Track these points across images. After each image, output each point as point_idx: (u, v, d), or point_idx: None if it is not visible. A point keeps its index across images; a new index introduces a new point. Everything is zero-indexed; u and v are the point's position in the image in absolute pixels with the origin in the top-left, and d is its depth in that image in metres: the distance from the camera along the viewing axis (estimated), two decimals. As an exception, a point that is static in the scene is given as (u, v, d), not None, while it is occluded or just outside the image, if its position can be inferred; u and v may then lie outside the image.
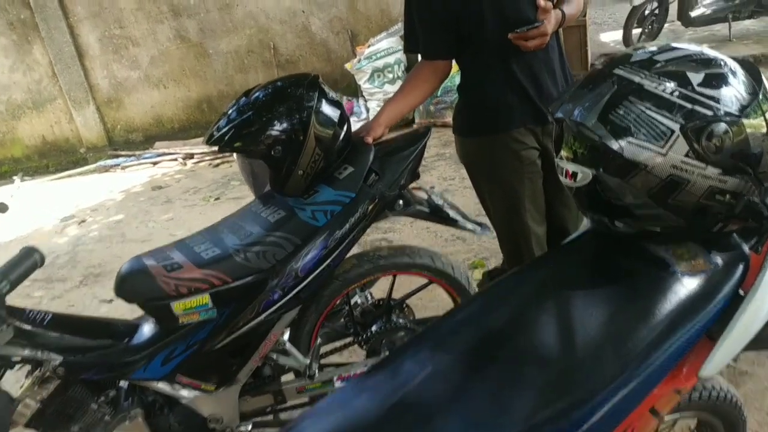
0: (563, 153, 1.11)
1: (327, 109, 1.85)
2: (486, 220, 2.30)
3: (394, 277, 2.15)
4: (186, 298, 1.75)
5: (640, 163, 1.00)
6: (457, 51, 2.03)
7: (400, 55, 5.76)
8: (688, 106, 0.99)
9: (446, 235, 3.70)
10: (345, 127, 1.90)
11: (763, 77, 1.08)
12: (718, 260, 1.07)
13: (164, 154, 6.47)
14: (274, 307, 1.84)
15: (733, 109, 1.00)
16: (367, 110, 5.92)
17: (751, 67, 1.09)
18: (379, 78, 5.73)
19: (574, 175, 1.08)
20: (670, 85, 1.00)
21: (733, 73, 1.04)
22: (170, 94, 6.70)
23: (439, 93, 5.55)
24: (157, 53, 6.52)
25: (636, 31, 6.15)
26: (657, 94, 1.00)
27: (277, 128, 1.80)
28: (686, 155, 0.99)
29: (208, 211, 4.94)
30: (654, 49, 1.08)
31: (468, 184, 4.23)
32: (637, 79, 1.03)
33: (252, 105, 1.84)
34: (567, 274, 1.13)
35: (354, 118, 6.04)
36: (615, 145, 1.00)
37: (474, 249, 3.46)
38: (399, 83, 5.74)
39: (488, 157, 2.07)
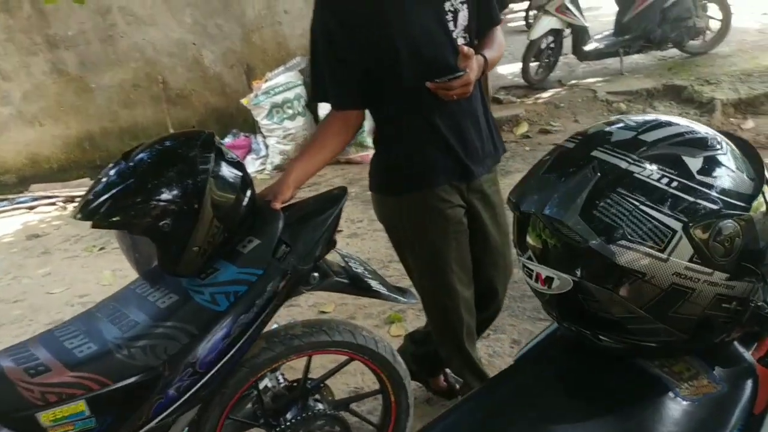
0: (531, 252, 0.89)
1: (226, 172, 1.57)
2: (407, 282, 2.10)
3: (310, 356, 1.88)
4: (56, 407, 1.41)
5: (637, 270, 0.80)
6: (370, 100, 1.81)
7: (300, 90, 5.51)
8: (690, 199, 0.80)
9: (357, 286, 3.46)
10: (248, 193, 1.62)
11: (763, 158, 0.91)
12: (723, 378, 0.88)
13: (41, 197, 5.87)
14: (168, 411, 1.53)
15: (738, 200, 0.82)
16: (266, 147, 5.62)
17: (745, 145, 0.92)
18: (278, 114, 5.45)
19: (548, 281, 0.86)
20: (665, 173, 0.81)
21: (734, 156, 0.86)
22: (47, 131, 6.11)
23: (341, 129, 5.33)
24: (31, 88, 5.94)
25: (533, 64, 6.20)
26: (651, 185, 0.80)
27: (166, 197, 1.50)
28: (690, 260, 0.80)
29: (91, 263, 4.45)
30: (636, 124, 0.88)
31: (378, 226, 4.02)
32: (623, 164, 0.82)
33: (134, 170, 1.53)
34: (541, 399, 0.91)
35: (252, 155, 5.72)
36: (602, 248, 0.79)
37: (388, 302, 3.22)
38: (300, 119, 5.49)
39: (411, 218, 1.86)
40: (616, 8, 6.26)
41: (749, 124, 4.73)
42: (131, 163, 1.54)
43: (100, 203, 1.48)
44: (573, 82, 6.17)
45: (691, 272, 0.80)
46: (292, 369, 2.10)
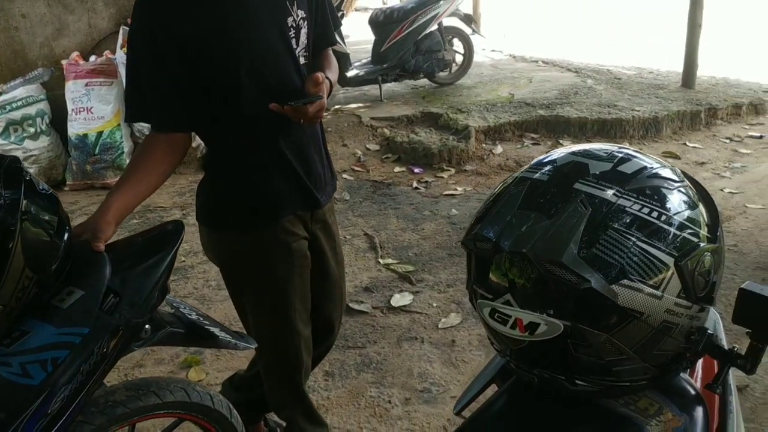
0: (503, 291, 0.80)
1: (40, 209, 1.25)
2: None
3: (134, 425, 1.58)
4: None
5: (636, 311, 0.76)
6: (203, 123, 1.60)
7: (44, 106, 4.83)
8: (677, 233, 0.78)
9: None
10: (65, 234, 1.31)
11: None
12: (683, 409, 0.88)
13: None
14: None
15: (710, 231, 0.82)
16: (48, 189, 4.79)
17: (689, 177, 0.94)
18: (17, 132, 4.71)
19: (530, 327, 0.79)
20: (654, 207, 0.78)
21: (692, 187, 0.87)
22: None
23: (97, 151, 4.78)
24: None
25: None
26: (644, 219, 0.77)
27: (-49, 243, 1.14)
28: (678, 295, 0.78)
29: None
30: (606, 155, 0.85)
31: (196, 262, 3.65)
32: (612, 198, 0.78)
33: None
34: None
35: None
36: (606, 289, 0.74)
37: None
38: (44, 138, 4.80)
39: (253, 254, 1.68)
40: (366, 38, 6.51)
41: (499, 149, 5.23)
42: None
43: None
44: (336, 107, 6.28)
45: (678, 308, 0.78)
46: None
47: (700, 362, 1.04)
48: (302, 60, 1.64)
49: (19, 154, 4.71)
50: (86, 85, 4.80)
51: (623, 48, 8.40)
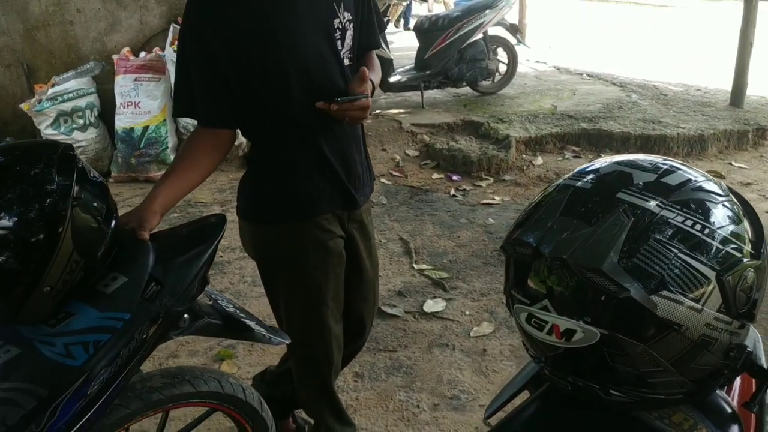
0: (541, 297, 0.81)
1: (90, 196, 1.29)
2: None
3: (168, 411, 1.62)
4: None
5: (675, 322, 0.75)
6: (250, 121, 1.64)
7: (93, 99, 4.96)
8: (720, 247, 0.78)
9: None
10: (112, 222, 1.35)
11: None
12: (719, 427, 0.87)
13: None
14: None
15: (754, 248, 0.81)
16: (99, 176, 4.93)
17: (737, 194, 0.93)
18: (66, 123, 4.85)
19: (567, 334, 0.79)
20: (697, 220, 0.78)
21: (737, 203, 0.86)
22: None
23: (142, 145, 4.89)
24: None
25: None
26: (686, 231, 0.77)
27: (6, 225, 1.19)
28: (718, 310, 0.77)
29: None
30: (650, 165, 0.85)
31: (233, 257, 3.71)
32: (655, 209, 0.78)
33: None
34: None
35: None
36: (645, 299, 0.74)
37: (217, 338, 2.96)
38: (92, 130, 4.93)
39: (290, 249, 1.70)
40: (407, 44, 6.53)
41: (539, 160, 5.19)
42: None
43: None
44: (377, 111, 6.31)
45: (718, 322, 0.78)
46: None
47: (737, 380, 1.03)
48: (347, 61, 1.67)
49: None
50: (135, 80, 4.91)
51: (671, 64, 8.26)
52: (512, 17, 7.51)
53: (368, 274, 1.90)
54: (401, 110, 6.38)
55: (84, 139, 4.91)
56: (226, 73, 1.54)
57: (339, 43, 1.63)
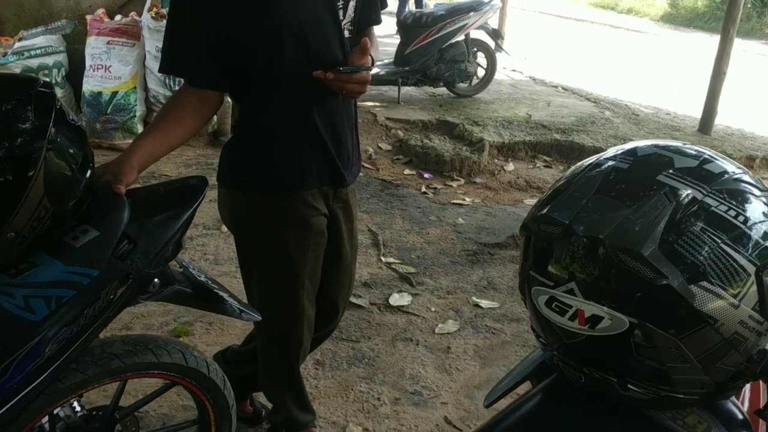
0: (565, 279, 0.75)
1: (66, 141, 1.20)
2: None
3: (125, 381, 1.52)
4: None
5: (710, 316, 0.71)
6: (239, 84, 1.56)
7: (62, 58, 4.76)
8: (761, 241, 0.73)
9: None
10: (88, 171, 1.25)
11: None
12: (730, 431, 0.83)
13: None
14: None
15: None
16: (77, 121, 4.74)
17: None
18: (31, 80, 4.64)
19: (592, 320, 0.74)
20: (740, 211, 0.74)
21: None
22: None
23: (109, 110, 4.71)
24: None
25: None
26: (730, 222, 0.72)
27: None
28: (753, 308, 0.73)
29: None
30: (693, 153, 0.80)
31: (196, 234, 3.59)
32: (699, 195, 0.74)
33: None
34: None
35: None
36: (684, 289, 0.69)
37: (172, 311, 2.85)
38: (57, 90, 4.70)
39: (270, 222, 1.63)
40: (390, 39, 6.48)
41: (510, 166, 5.19)
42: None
43: None
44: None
45: (751, 321, 0.73)
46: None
47: (747, 386, 1.00)
48: (347, 33, 1.60)
49: (30, 102, 4.65)
50: (108, 43, 4.73)
51: (642, 86, 8.38)
52: (494, 23, 7.51)
53: (347, 257, 1.83)
54: (377, 103, 6.31)
55: (48, 98, 4.70)
56: (215, 31, 1.45)
57: (341, 12, 1.56)
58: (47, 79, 4.66)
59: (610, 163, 0.81)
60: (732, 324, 0.72)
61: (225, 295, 1.51)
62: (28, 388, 1.17)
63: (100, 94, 4.72)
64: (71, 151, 1.20)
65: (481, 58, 6.70)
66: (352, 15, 1.61)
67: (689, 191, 0.74)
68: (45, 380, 1.19)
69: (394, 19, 6.59)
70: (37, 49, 4.63)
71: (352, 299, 3.03)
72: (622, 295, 0.73)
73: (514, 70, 8.60)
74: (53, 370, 1.20)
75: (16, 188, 1.10)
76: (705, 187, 0.75)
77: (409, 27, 6.33)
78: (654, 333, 0.72)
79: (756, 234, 0.74)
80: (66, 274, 1.20)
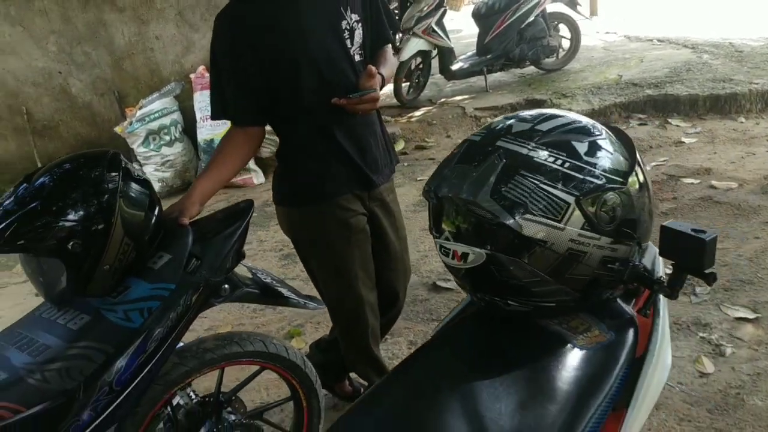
0: (447, 232, 1.02)
1: (134, 190, 1.60)
2: (305, 284, 2.15)
3: (222, 369, 1.91)
4: (-37, 440, 1.37)
5: (539, 239, 0.94)
6: (273, 117, 1.89)
7: (177, 116, 5.45)
8: (579, 176, 0.96)
9: (253, 305, 3.47)
10: (156, 209, 1.65)
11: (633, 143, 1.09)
12: (611, 329, 1.05)
13: None
14: (85, 433, 1.52)
15: (617, 176, 0.99)
16: (143, 174, 5.47)
17: (620, 133, 1.10)
18: (155, 141, 5.35)
19: (464, 256, 0.99)
20: (559, 156, 0.96)
21: (609, 140, 1.03)
22: None
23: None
24: None
25: (404, 85, 6.47)
26: (547, 166, 0.96)
27: (73, 218, 1.50)
28: (582, 227, 0.95)
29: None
30: (530, 117, 1.04)
31: (269, 246, 4.08)
32: (524, 151, 0.97)
33: (37, 193, 1.52)
34: (460, 365, 1.04)
35: (129, 184, 5.54)
36: (511, 222, 0.93)
37: (286, 316, 3.28)
38: (178, 145, 5.42)
39: (315, 228, 1.95)
40: (476, 31, 6.67)
41: (602, 132, 5.21)
42: (34, 186, 1.53)
43: (3, 228, 1.46)
44: (442, 100, 6.50)
45: (583, 238, 0.95)
46: (202, 385, 2.11)
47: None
48: (357, 57, 1.88)
49: (157, 159, 5.37)
50: (211, 94, 5.34)
51: (751, 18, 7.91)
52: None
53: (394, 247, 2.11)
54: (465, 96, 6.53)
55: (171, 153, 5.40)
56: (251, 75, 1.78)
57: (348, 41, 1.85)
58: (168, 137, 5.35)
59: (472, 137, 1.06)
60: (563, 243, 0.95)
61: (285, 291, 1.86)
62: (140, 377, 1.57)
63: (212, 140, 5.33)
64: (139, 197, 1.60)
65: (564, 30, 6.72)
66: (360, 41, 1.89)
67: (518, 149, 0.98)
68: (151, 369, 1.58)
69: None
70: (155, 113, 5.33)
71: (441, 283, 3.30)
72: (475, 235, 0.98)
73: (607, 33, 8.44)
74: (155, 361, 1.59)
75: (103, 233, 1.51)
76: (531, 143, 0.98)
77: (483, 16, 6.50)
78: (503, 258, 0.96)
79: (575, 171, 0.96)
80: (151, 290, 1.59)
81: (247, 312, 3.43)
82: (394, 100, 6.51)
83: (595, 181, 0.96)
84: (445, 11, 6.38)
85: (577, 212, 0.95)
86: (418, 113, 6.31)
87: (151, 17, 5.52)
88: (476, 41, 6.64)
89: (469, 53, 6.72)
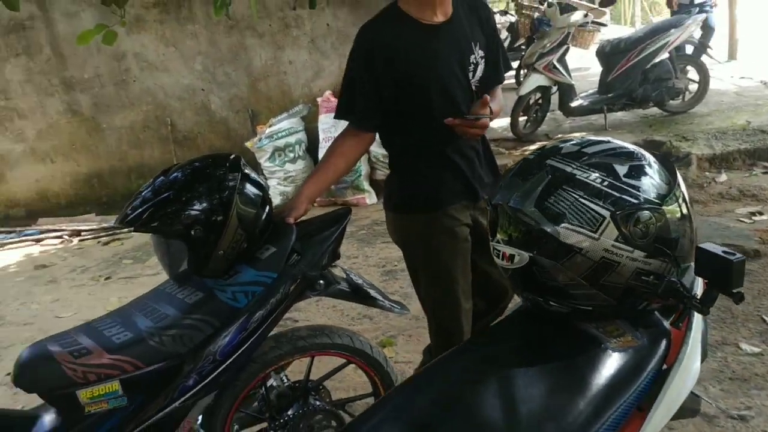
0: (499, 236, 1.16)
1: (250, 189, 1.85)
2: (403, 299, 2.32)
3: (312, 358, 2.12)
4: (94, 386, 1.65)
5: (575, 246, 1.07)
6: (394, 129, 2.07)
7: (302, 135, 5.84)
8: (616, 194, 1.08)
9: (353, 313, 3.69)
10: (267, 208, 1.90)
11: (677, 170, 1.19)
12: (644, 337, 1.15)
13: (48, 231, 6.11)
14: (190, 393, 1.76)
15: (654, 197, 1.10)
16: (267, 188, 5.89)
17: (665, 160, 1.21)
18: (280, 157, 5.77)
19: (511, 258, 1.13)
20: (600, 175, 1.09)
21: (651, 166, 1.15)
22: (57, 168, 6.40)
23: (340, 172, 5.63)
24: (46, 126, 6.26)
25: (522, 119, 6.56)
26: (588, 183, 1.09)
27: (198, 208, 1.78)
28: (616, 240, 1.07)
29: (98, 291, 4.67)
30: (581, 141, 1.18)
31: (373, 262, 4.31)
32: (568, 169, 1.11)
33: (170, 184, 1.81)
34: (503, 354, 1.18)
35: (254, 195, 5.99)
36: (551, 229, 1.07)
37: (381, 327, 3.47)
38: (300, 162, 5.80)
39: (424, 235, 2.10)
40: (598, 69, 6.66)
41: (722, 177, 5.06)
42: (169, 179, 1.82)
43: (141, 211, 1.75)
44: (559, 136, 6.52)
45: (616, 249, 1.07)
46: (293, 372, 2.32)
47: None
48: (474, 88, 2.06)
49: (281, 174, 5.77)
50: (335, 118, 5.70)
51: None
52: (722, 33, 7.24)
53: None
54: (584, 133, 6.51)
55: (294, 169, 5.78)
56: (383, 86, 1.97)
57: (471, 74, 2.03)
58: (292, 155, 5.75)
59: (527, 156, 1.20)
60: (597, 251, 1.07)
61: (372, 292, 2.05)
62: (239, 351, 1.80)
63: (331, 160, 5.66)
64: (254, 196, 1.85)
65: (692, 72, 6.57)
66: (480, 75, 2.07)
67: (564, 167, 1.11)
68: (250, 346, 1.81)
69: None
70: (282, 131, 5.76)
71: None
72: (521, 240, 1.12)
73: (742, 77, 8.12)
74: (254, 340, 1.82)
75: (221, 223, 1.77)
76: (576, 163, 1.11)
77: (608, 55, 6.48)
78: (544, 262, 1.10)
79: (613, 190, 1.08)
80: (257, 276, 1.83)
81: (345, 320, 3.65)
82: (510, 133, 6.61)
83: (631, 200, 1.08)
84: (567, 48, 6.44)
85: (612, 225, 1.07)
86: (532, 147, 6.37)
87: (286, 43, 5.99)
88: (599, 79, 6.62)
89: (590, 91, 6.71)
